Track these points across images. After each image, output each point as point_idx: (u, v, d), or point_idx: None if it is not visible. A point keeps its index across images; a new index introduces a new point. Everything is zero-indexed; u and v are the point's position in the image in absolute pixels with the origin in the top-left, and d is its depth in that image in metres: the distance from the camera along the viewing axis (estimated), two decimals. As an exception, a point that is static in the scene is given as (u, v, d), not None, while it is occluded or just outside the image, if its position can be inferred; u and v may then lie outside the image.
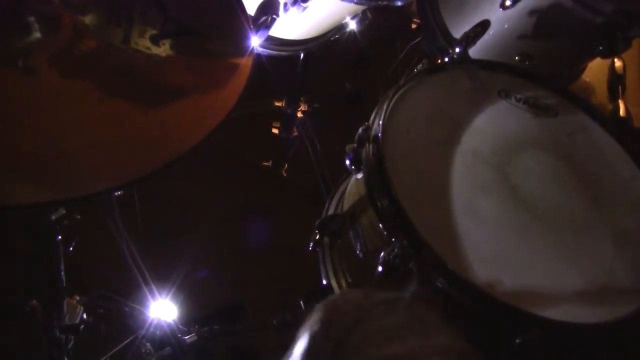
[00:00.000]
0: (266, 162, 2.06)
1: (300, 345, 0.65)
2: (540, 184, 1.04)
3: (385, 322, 0.65)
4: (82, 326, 1.29)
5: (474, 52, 1.38)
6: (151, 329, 1.41)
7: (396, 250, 0.88)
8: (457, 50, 1.33)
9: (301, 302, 1.19)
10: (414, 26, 1.97)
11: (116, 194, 1.23)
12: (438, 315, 0.70)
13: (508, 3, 1.27)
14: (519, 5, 1.28)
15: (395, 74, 1.89)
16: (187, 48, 0.94)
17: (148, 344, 1.39)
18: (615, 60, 1.60)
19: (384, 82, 1.81)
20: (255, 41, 0.97)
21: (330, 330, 0.65)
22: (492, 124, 1.10)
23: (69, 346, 1.26)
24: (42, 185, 0.72)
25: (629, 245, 0.99)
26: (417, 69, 1.62)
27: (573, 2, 1.21)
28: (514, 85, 1.18)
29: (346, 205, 1.13)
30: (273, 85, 1.79)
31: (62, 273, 1.15)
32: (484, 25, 1.34)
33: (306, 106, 1.96)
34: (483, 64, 1.23)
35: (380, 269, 0.90)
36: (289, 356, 0.66)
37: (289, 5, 1.20)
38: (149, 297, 1.45)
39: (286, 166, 2.06)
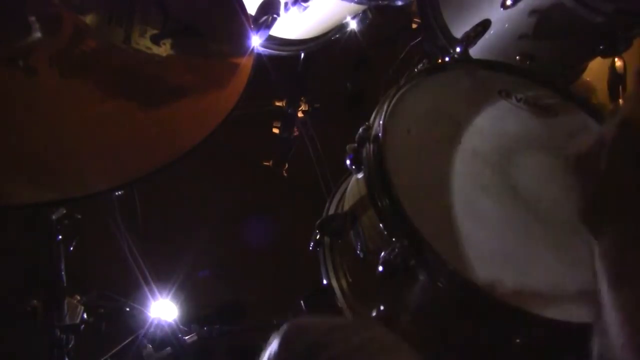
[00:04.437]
0: (267, 162, 2.06)
1: None
2: (541, 184, 1.04)
3: (339, 350, 0.66)
4: (83, 326, 1.29)
5: (474, 51, 1.38)
6: (152, 329, 1.41)
7: (397, 250, 0.88)
8: (458, 49, 1.33)
9: (301, 302, 1.19)
10: (414, 26, 1.97)
11: (116, 193, 1.23)
12: (389, 339, 0.71)
13: (509, 3, 1.27)
14: (520, 5, 1.28)
15: (396, 74, 1.88)
16: (188, 48, 0.94)
17: (148, 344, 1.39)
18: (616, 59, 1.60)
19: (384, 81, 1.81)
20: (255, 41, 0.97)
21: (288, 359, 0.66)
22: (492, 124, 1.10)
23: (70, 346, 1.26)
24: (42, 185, 0.72)
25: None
26: (417, 69, 1.62)
27: (574, 2, 1.21)
28: (514, 85, 1.18)
29: (347, 205, 1.13)
30: (274, 85, 1.78)
31: (63, 273, 1.15)
32: (484, 25, 1.34)
33: (307, 106, 1.96)
34: (484, 64, 1.23)
35: (380, 268, 0.90)
36: None
37: (289, 4, 1.20)
38: (150, 296, 1.45)
39: (287, 166, 2.06)
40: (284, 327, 0.70)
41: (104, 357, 1.40)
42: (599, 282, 0.58)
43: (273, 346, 0.67)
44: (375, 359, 0.67)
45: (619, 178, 0.60)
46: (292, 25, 1.41)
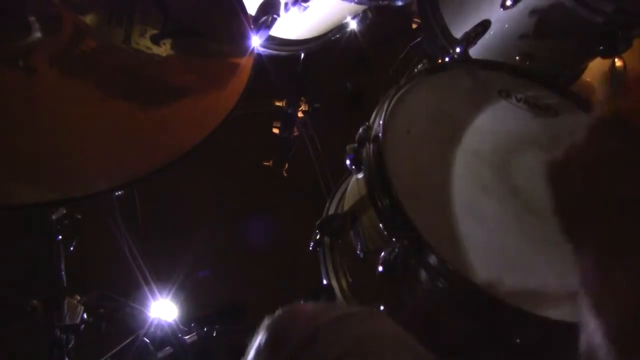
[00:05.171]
0: (267, 162, 2.06)
1: None
2: (541, 184, 1.04)
3: (333, 348, 0.63)
4: (83, 326, 1.29)
5: (474, 51, 1.38)
6: (152, 329, 1.41)
7: (397, 250, 0.88)
8: (458, 50, 1.33)
9: (301, 302, 1.19)
10: (414, 26, 1.97)
11: (116, 193, 1.23)
12: (390, 332, 0.68)
13: (509, 3, 1.27)
14: (520, 5, 1.28)
15: (396, 74, 1.89)
16: (188, 48, 0.94)
17: (149, 344, 1.39)
18: (616, 59, 1.60)
19: (384, 82, 1.81)
20: (255, 41, 0.97)
21: (277, 353, 0.63)
22: (492, 124, 1.10)
23: (70, 346, 1.26)
24: (43, 185, 0.73)
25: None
26: (417, 69, 1.62)
27: (573, 2, 1.21)
28: (514, 85, 1.18)
29: (347, 205, 1.13)
30: (273, 85, 1.78)
31: (63, 273, 1.15)
32: (484, 25, 1.34)
33: (307, 106, 1.96)
34: (484, 64, 1.23)
35: (380, 268, 0.90)
36: None
37: (289, 5, 1.20)
38: (150, 296, 1.45)
39: (287, 166, 2.06)
40: (272, 321, 0.66)
41: (104, 357, 1.40)
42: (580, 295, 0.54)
43: (261, 338, 0.64)
44: (375, 354, 0.65)
45: (595, 187, 0.57)
46: (292, 25, 1.41)
